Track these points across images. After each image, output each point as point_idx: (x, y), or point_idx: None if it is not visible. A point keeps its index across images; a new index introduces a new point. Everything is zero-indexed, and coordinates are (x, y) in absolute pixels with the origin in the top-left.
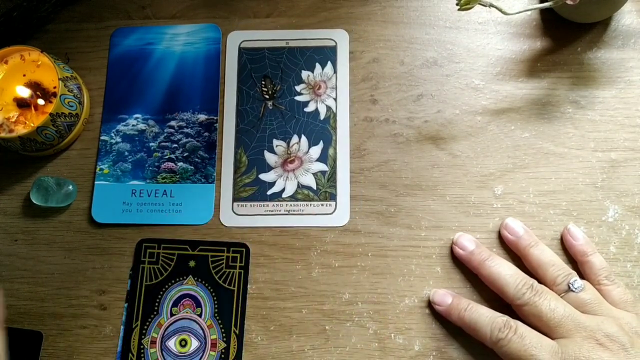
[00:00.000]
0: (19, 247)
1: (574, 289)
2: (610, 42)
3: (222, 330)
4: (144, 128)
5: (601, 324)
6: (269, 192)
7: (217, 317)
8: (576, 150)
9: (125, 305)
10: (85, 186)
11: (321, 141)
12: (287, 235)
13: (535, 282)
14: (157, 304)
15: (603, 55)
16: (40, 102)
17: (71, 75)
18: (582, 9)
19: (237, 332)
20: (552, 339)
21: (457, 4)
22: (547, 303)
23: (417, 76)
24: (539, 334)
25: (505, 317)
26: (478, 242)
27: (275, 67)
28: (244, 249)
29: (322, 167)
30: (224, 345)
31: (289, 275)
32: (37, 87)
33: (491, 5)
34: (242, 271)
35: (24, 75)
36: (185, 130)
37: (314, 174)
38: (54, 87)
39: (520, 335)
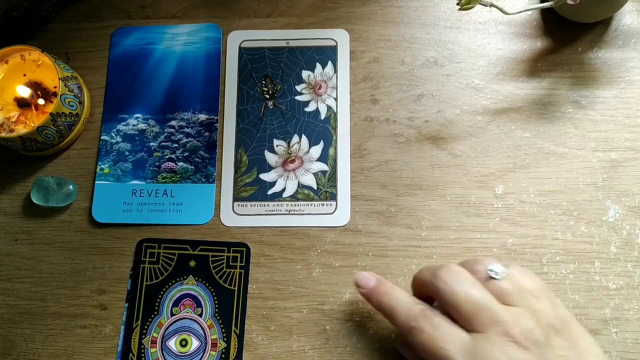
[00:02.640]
0: (19, 246)
1: (495, 277)
2: (611, 42)
3: (223, 330)
4: (144, 128)
5: (519, 317)
6: (269, 192)
7: (218, 317)
8: (577, 150)
9: (126, 305)
10: (86, 186)
11: (322, 141)
12: (288, 235)
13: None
14: (157, 304)
15: (604, 55)
16: (41, 101)
17: (71, 75)
18: (583, 8)
19: (237, 332)
20: (469, 331)
21: (457, 4)
22: (463, 290)
23: (418, 76)
24: (454, 326)
25: (423, 306)
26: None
27: (275, 67)
28: (244, 249)
29: (322, 166)
30: (224, 345)
31: (290, 275)
32: (37, 87)
33: (492, 5)
34: (243, 271)
35: (25, 75)
36: (186, 130)
37: (315, 174)
38: (55, 87)
39: (433, 326)
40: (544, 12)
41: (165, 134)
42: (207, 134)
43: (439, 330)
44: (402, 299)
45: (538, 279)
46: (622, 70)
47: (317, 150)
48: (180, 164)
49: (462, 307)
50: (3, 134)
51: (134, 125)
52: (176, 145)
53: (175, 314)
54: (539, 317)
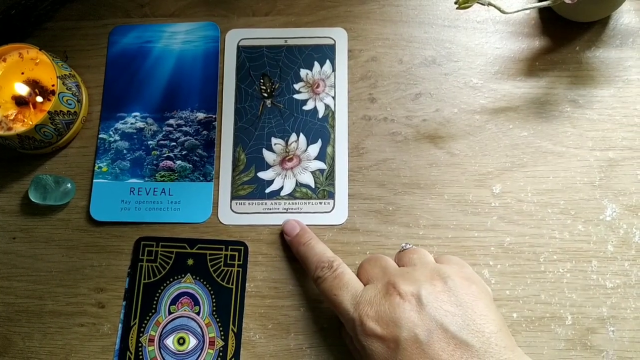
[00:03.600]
0: (17, 245)
1: (404, 248)
2: (609, 41)
3: (221, 328)
4: (142, 126)
5: (408, 271)
6: (267, 190)
7: (216, 316)
8: (574, 149)
9: (124, 303)
10: (84, 184)
11: (319, 139)
12: None
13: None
14: (155, 302)
15: (601, 54)
16: (39, 100)
17: (70, 73)
18: (581, 7)
19: (235, 330)
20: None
21: (455, 3)
22: (376, 259)
23: (416, 75)
24: (353, 278)
25: (333, 258)
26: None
27: (273, 66)
28: (242, 247)
29: (320, 165)
30: (222, 343)
31: (287, 274)
32: (35, 85)
33: (490, 4)
34: (241, 269)
35: (23, 73)
36: (184, 128)
37: (312, 172)
38: (53, 85)
39: (334, 276)
40: (541, 11)
41: (164, 133)
42: (205, 132)
43: (337, 279)
44: (316, 250)
45: (459, 260)
46: (620, 69)
47: (315, 149)
48: (179, 162)
49: (371, 271)
50: (1, 132)
51: (132, 123)
52: (174, 143)
53: (173, 312)
54: (432, 272)
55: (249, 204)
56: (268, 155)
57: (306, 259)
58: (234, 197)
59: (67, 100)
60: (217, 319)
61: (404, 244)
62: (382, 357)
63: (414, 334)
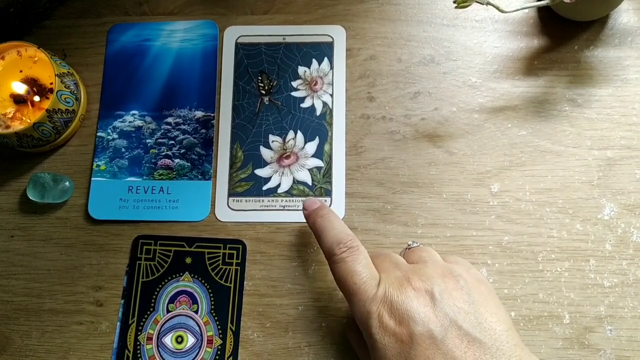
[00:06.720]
0: (15, 243)
1: (411, 246)
2: (607, 41)
3: (219, 326)
4: (140, 124)
5: (421, 267)
6: (264, 188)
7: (214, 314)
8: (572, 148)
9: (122, 301)
10: (82, 182)
11: (317, 137)
12: (284, 232)
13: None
14: (153, 301)
15: (600, 53)
16: (37, 98)
17: (68, 72)
18: (580, 7)
19: (233, 328)
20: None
21: (454, 2)
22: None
23: (414, 73)
24: (373, 267)
25: (352, 237)
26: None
27: (272, 63)
28: (240, 246)
29: (317, 163)
30: (220, 341)
31: (285, 272)
32: (33, 83)
33: (488, 3)
34: (239, 268)
35: (21, 71)
36: (182, 126)
37: (310, 170)
38: (51, 83)
39: (354, 259)
40: (540, 10)
41: (162, 131)
42: (203, 130)
43: (356, 263)
44: (336, 225)
45: (465, 262)
46: (618, 68)
47: (312, 147)
48: (177, 160)
49: (382, 265)
50: None
51: (130, 122)
52: (172, 142)
53: (171, 311)
54: (444, 270)
55: (246, 201)
56: (265, 153)
57: (322, 231)
58: (231, 194)
59: (65, 99)
60: (216, 318)
61: (410, 242)
62: (394, 352)
63: (429, 329)
